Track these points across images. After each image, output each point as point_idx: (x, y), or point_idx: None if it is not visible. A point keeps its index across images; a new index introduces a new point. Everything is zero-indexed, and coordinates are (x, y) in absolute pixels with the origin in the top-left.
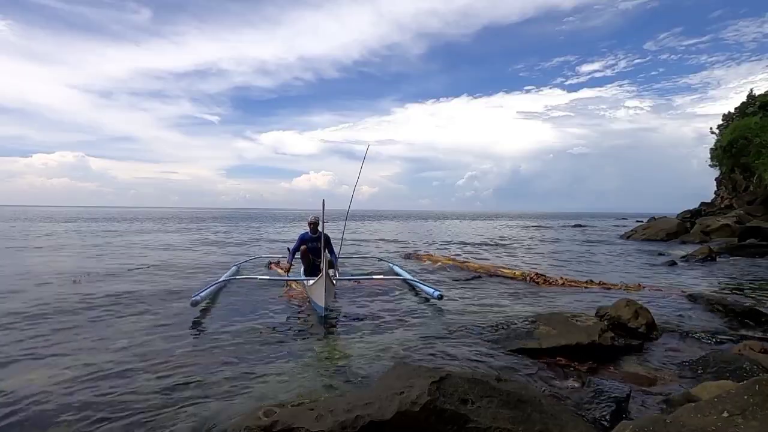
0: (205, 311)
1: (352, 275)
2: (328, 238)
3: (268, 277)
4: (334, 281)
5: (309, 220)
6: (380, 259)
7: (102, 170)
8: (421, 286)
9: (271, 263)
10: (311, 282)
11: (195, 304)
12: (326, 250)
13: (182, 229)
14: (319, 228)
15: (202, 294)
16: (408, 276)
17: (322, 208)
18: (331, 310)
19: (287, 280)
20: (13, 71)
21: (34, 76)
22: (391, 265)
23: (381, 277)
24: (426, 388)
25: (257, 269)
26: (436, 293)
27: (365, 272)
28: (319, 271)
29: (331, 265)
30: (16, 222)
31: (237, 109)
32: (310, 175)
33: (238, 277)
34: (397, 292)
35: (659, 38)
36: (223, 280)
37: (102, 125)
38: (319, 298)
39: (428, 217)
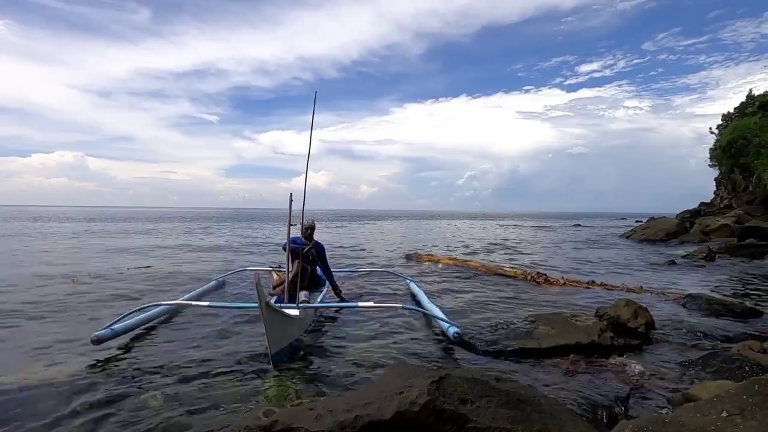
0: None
1: (357, 299)
2: (322, 248)
3: (207, 304)
4: (293, 313)
5: (300, 222)
6: (394, 274)
7: (101, 170)
8: (438, 319)
9: (271, 270)
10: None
11: (99, 341)
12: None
13: (177, 229)
14: (312, 235)
15: (117, 326)
16: (426, 302)
17: (289, 206)
18: (307, 347)
19: (224, 307)
20: (12, 71)
21: (33, 76)
22: (408, 281)
23: (374, 304)
24: (425, 387)
25: (244, 282)
26: (453, 330)
27: (372, 291)
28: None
29: (317, 285)
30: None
31: (236, 108)
32: (309, 175)
33: (164, 303)
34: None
35: (658, 38)
36: (145, 307)
37: (101, 125)
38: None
39: (427, 217)
